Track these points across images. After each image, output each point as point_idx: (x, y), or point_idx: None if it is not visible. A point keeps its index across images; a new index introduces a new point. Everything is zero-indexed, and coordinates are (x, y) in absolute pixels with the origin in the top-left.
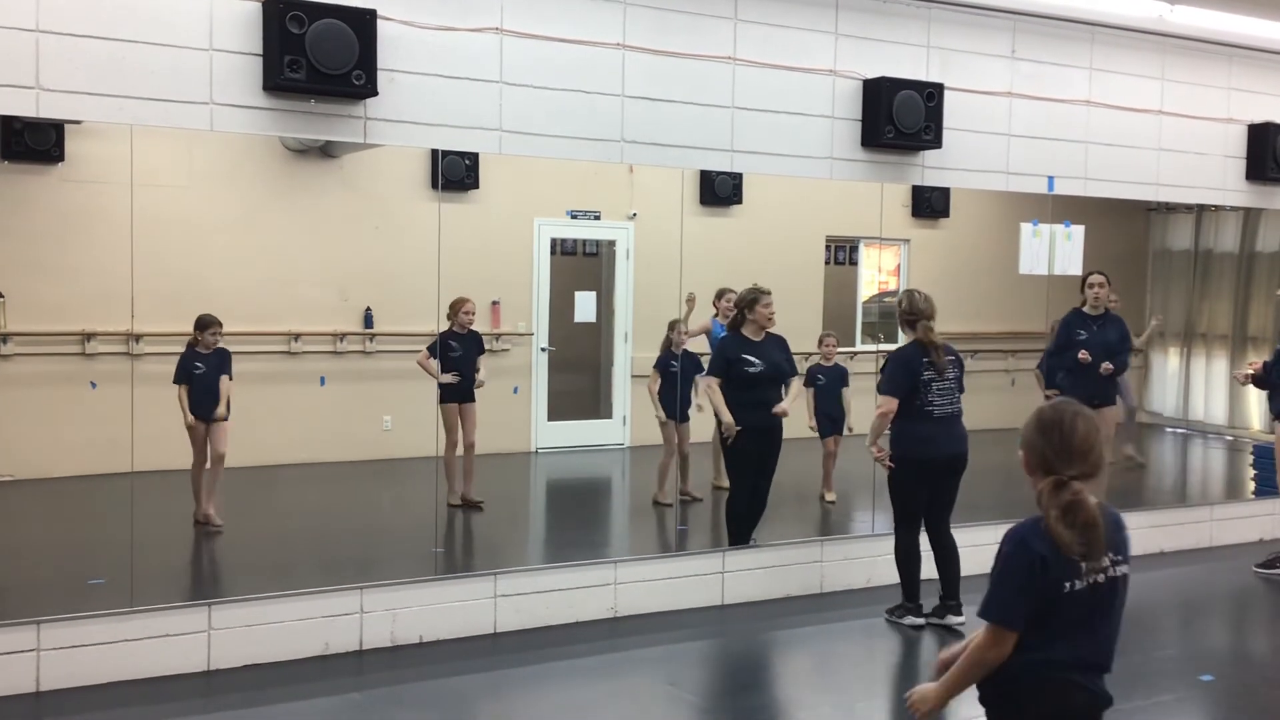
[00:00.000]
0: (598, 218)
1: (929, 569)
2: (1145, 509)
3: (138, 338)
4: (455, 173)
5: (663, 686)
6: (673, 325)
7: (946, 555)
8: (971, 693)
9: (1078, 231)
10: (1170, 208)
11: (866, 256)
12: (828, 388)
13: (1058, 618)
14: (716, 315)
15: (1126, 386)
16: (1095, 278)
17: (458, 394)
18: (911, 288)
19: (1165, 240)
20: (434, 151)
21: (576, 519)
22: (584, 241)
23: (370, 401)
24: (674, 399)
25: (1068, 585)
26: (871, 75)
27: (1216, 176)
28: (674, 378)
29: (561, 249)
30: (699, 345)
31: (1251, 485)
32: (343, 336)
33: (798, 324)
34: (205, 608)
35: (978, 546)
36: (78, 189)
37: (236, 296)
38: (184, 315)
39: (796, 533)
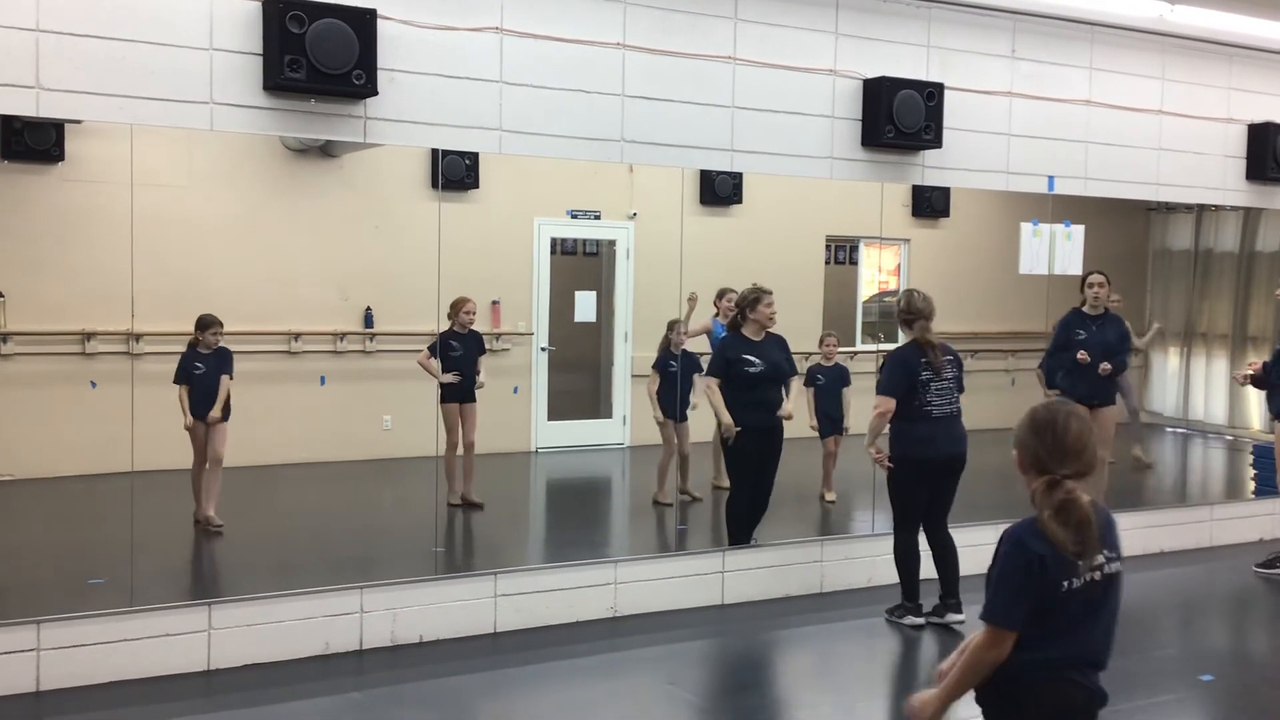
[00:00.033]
0: (598, 217)
1: (928, 569)
2: (1145, 509)
3: (138, 337)
4: (455, 172)
5: (663, 686)
6: (672, 325)
7: (945, 554)
8: (969, 692)
9: (1078, 231)
10: (1170, 207)
11: (867, 256)
12: (828, 387)
13: (1057, 617)
14: (717, 315)
15: (1129, 387)
16: (1095, 277)
17: (458, 394)
18: (911, 287)
19: (1165, 240)
20: (434, 151)
21: (576, 519)
22: (584, 241)
23: (370, 401)
24: (673, 399)
25: (1066, 584)
26: (871, 75)
27: (1216, 176)
28: (673, 378)
29: (561, 249)
30: (699, 345)
31: (1251, 485)
32: (343, 336)
33: (798, 324)
34: (205, 607)
35: (976, 546)
36: (78, 188)
37: (236, 296)
38: (184, 315)
39: (796, 532)
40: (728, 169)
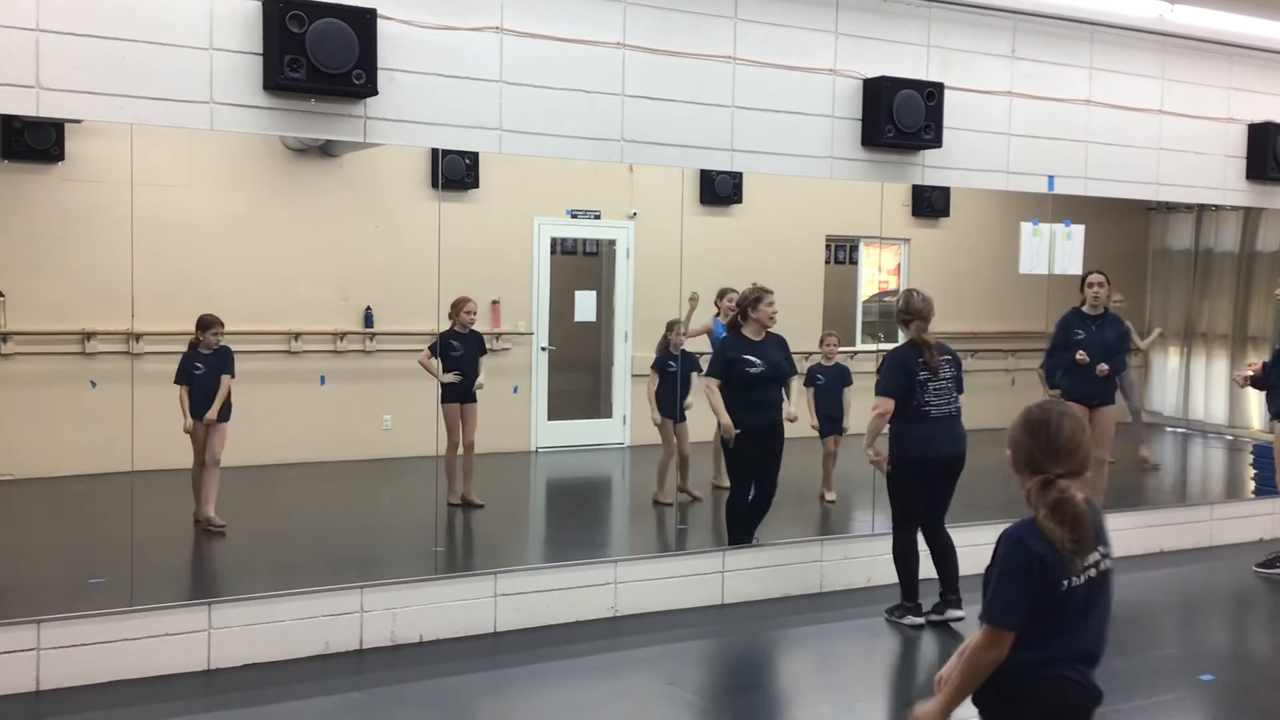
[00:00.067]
0: (598, 217)
1: (927, 568)
2: (1145, 509)
3: (138, 337)
4: (455, 172)
5: (663, 686)
6: (671, 326)
7: (944, 552)
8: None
9: (1078, 231)
10: (1170, 207)
11: (867, 256)
12: (828, 387)
13: (1056, 616)
14: (718, 315)
15: (1132, 387)
16: (1095, 277)
17: (459, 394)
18: (911, 287)
19: (1165, 240)
20: (434, 151)
21: (576, 518)
22: (584, 241)
23: (370, 401)
24: (672, 399)
25: (1066, 583)
26: (872, 75)
27: (1216, 176)
28: (672, 378)
29: (561, 248)
30: (699, 345)
31: (1251, 485)
32: (343, 336)
33: (798, 323)
34: (205, 607)
35: (976, 546)
36: (78, 188)
37: (236, 296)
38: (184, 315)
39: (796, 532)
40: (728, 169)
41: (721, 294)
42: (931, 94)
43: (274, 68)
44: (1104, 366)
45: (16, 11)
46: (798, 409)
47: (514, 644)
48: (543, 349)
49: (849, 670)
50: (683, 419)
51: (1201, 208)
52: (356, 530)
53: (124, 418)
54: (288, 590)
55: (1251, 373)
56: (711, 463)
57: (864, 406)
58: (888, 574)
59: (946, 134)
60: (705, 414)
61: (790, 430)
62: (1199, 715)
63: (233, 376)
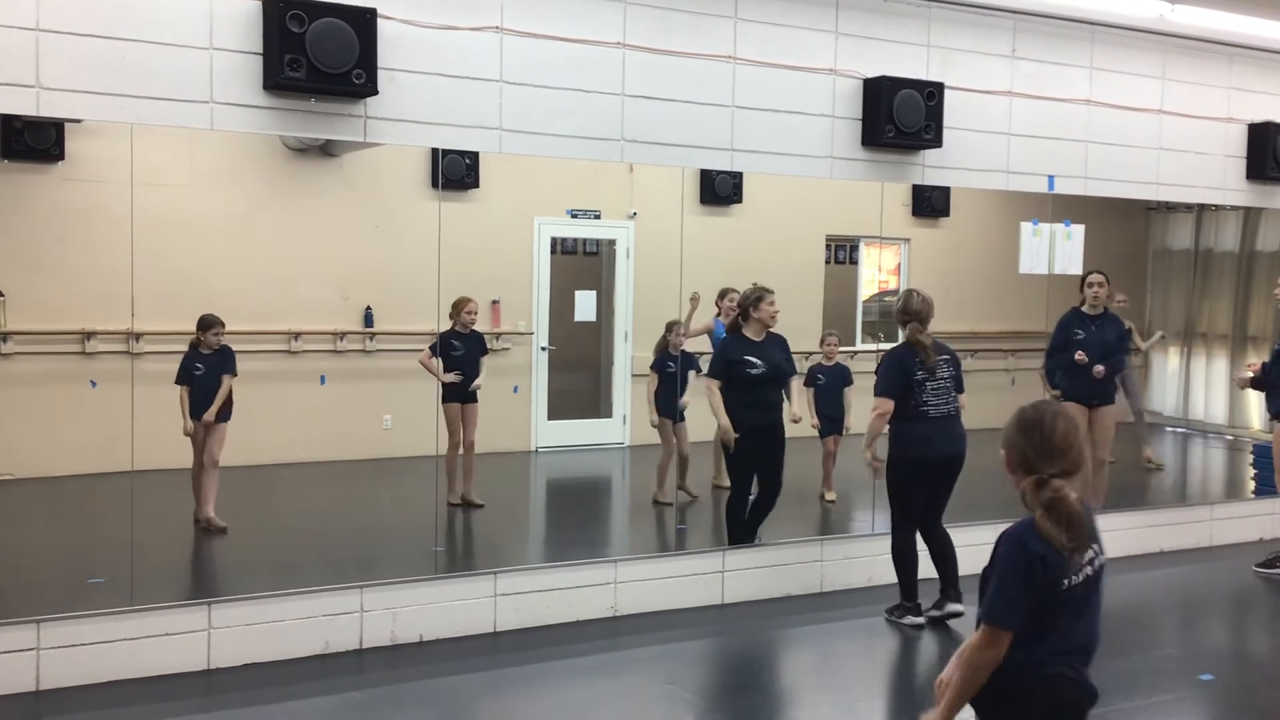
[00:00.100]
0: (598, 217)
1: (927, 568)
2: (1145, 509)
3: (138, 337)
4: (455, 172)
5: (662, 685)
6: (670, 327)
7: (942, 550)
8: None
9: (1078, 231)
10: (1170, 207)
11: (867, 256)
12: (828, 387)
13: (1055, 614)
14: (719, 315)
15: (1135, 387)
16: (1095, 277)
17: (460, 394)
18: (912, 287)
19: (1165, 240)
20: (434, 150)
21: (576, 518)
22: (584, 241)
23: (370, 400)
24: (671, 400)
25: (1065, 582)
26: (872, 74)
27: (1217, 176)
28: (671, 379)
29: (562, 248)
30: (700, 345)
31: (1251, 485)
32: (343, 335)
33: (798, 323)
34: (205, 607)
35: (976, 546)
36: (78, 188)
37: (236, 296)
38: (184, 314)
39: (796, 532)
40: (728, 169)
41: (722, 294)
42: (931, 94)
43: (274, 67)
44: (1100, 368)
45: (16, 11)
46: (800, 409)
47: (514, 644)
48: (543, 349)
49: (849, 670)
50: (681, 419)
51: (1201, 208)
52: (356, 530)
53: (124, 418)
54: (287, 590)
55: (1251, 374)
56: (711, 463)
57: (864, 406)
58: (888, 574)
59: (946, 134)
60: (705, 414)
61: (790, 430)
62: (1199, 715)
63: (235, 375)
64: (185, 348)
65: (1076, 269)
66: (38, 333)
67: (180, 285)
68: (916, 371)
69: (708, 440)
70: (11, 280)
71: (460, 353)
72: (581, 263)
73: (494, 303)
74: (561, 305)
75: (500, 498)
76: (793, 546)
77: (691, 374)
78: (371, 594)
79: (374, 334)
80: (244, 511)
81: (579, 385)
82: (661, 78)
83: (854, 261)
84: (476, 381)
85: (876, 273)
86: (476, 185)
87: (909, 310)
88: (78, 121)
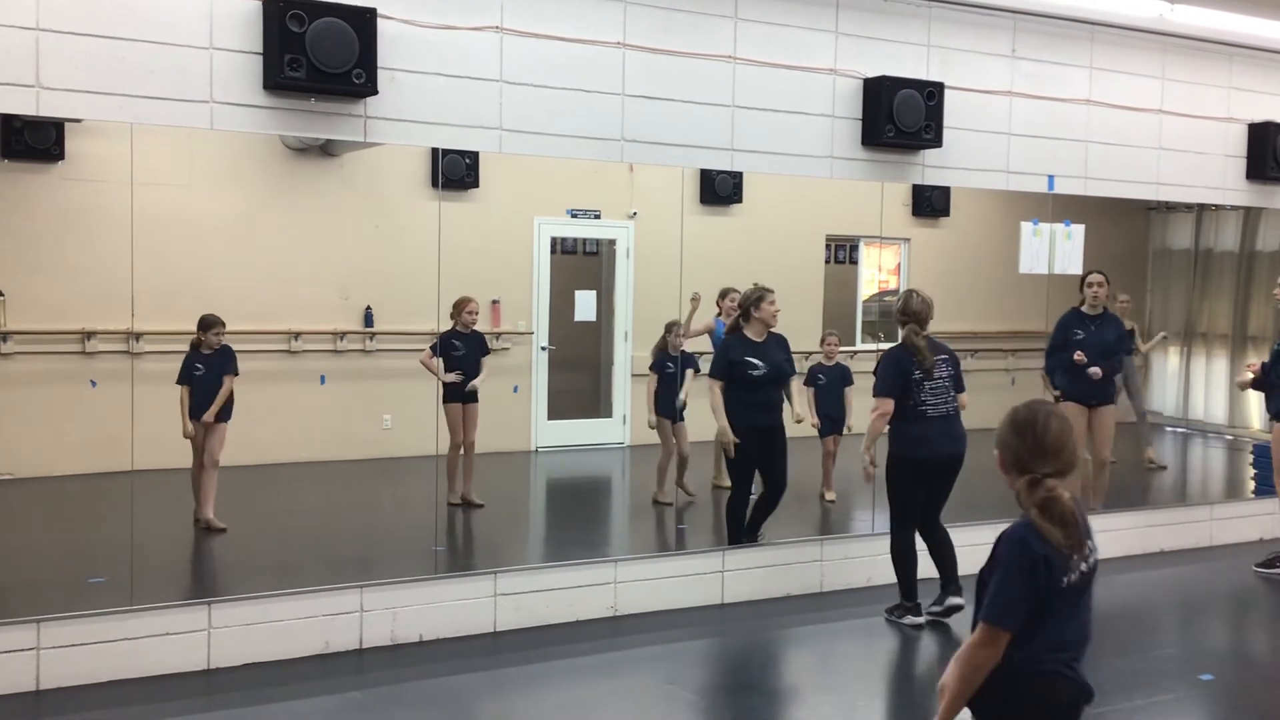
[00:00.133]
0: (598, 217)
1: (926, 568)
2: (1145, 508)
3: (138, 336)
4: (455, 171)
5: (662, 685)
6: (669, 327)
7: (941, 547)
8: None
9: (1078, 231)
10: (1170, 207)
11: (867, 255)
12: (828, 387)
13: (1053, 612)
14: (720, 315)
15: (1138, 388)
16: (1094, 277)
17: (461, 394)
18: (912, 288)
19: (1165, 240)
20: (434, 150)
21: (576, 518)
22: (584, 240)
23: (370, 400)
24: (671, 400)
25: (1065, 580)
26: (872, 74)
27: (1217, 176)
28: (670, 379)
29: (562, 248)
30: (701, 344)
31: (1251, 485)
32: (343, 335)
33: (798, 323)
34: (205, 606)
35: (975, 546)
36: (78, 187)
37: (236, 295)
38: (184, 314)
39: (796, 532)
40: (728, 168)
41: (723, 294)
42: (931, 94)
43: (274, 67)
44: (1096, 370)
45: (16, 11)
46: (801, 409)
47: (514, 643)
48: (543, 349)
49: (849, 670)
50: (681, 419)
51: (1201, 207)
52: (356, 530)
53: (124, 417)
54: (287, 590)
55: (1251, 375)
56: (711, 463)
57: (865, 406)
58: (887, 574)
59: (946, 134)
60: (705, 414)
61: (790, 430)
62: (1199, 715)
63: (236, 375)
64: (185, 348)
65: (1076, 269)
66: (38, 333)
67: (180, 285)
68: (914, 371)
69: (707, 440)
70: (11, 280)
71: (461, 353)
72: (581, 263)
73: (494, 302)
74: (561, 305)
75: (500, 498)
76: (793, 546)
77: (689, 372)
78: (371, 594)
79: (374, 334)
80: (244, 511)
81: (579, 385)
82: (661, 78)
83: (854, 261)
84: (474, 381)
85: (876, 272)
86: (476, 185)
87: (908, 311)
88: (78, 121)
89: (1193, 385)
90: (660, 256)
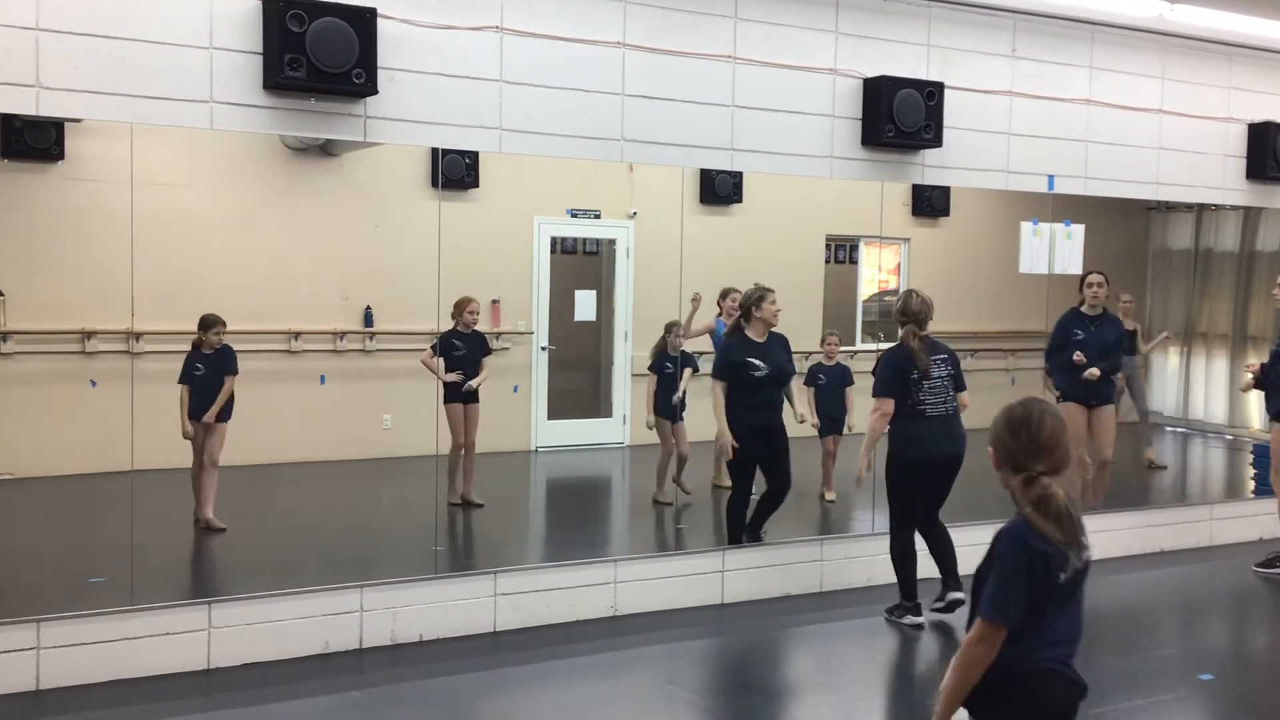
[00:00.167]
0: (598, 216)
1: (926, 568)
2: (1145, 508)
3: (138, 336)
4: (455, 171)
5: (662, 685)
6: (669, 328)
7: (941, 544)
8: None
9: (1078, 230)
10: (1170, 207)
11: (867, 255)
12: (829, 387)
13: (1050, 609)
14: (720, 315)
15: (1140, 388)
16: (1094, 277)
17: (461, 395)
18: (912, 288)
19: (1165, 239)
20: (434, 150)
21: (576, 518)
22: (584, 240)
23: (370, 400)
24: (670, 400)
25: (1062, 576)
26: (872, 74)
27: (1217, 176)
28: (670, 380)
29: (562, 248)
30: (701, 344)
31: (1251, 485)
32: (343, 335)
33: (798, 323)
34: (205, 606)
35: (975, 546)
36: (78, 187)
37: (236, 295)
38: (184, 314)
39: (796, 532)
40: (728, 168)
41: (724, 294)
42: (931, 93)
43: (274, 67)
44: (1094, 371)
45: (16, 11)
46: (801, 408)
47: (514, 643)
48: (543, 348)
49: (849, 670)
50: (680, 419)
51: (1201, 207)
52: (356, 530)
53: (124, 417)
54: (287, 590)
55: (1251, 375)
56: (711, 463)
57: (865, 406)
58: (888, 574)
59: (946, 133)
60: (704, 414)
61: (790, 430)
62: (1199, 715)
63: (237, 374)
64: (185, 348)
65: (1076, 269)
66: (38, 332)
67: (180, 285)
68: (912, 371)
69: (707, 440)
70: (11, 280)
71: (462, 353)
72: (581, 262)
73: (494, 302)
74: (561, 305)
75: (500, 497)
76: (793, 546)
77: (688, 371)
78: (371, 594)
79: (374, 334)
80: (244, 511)
81: (579, 385)
82: (661, 77)
83: (854, 261)
84: (472, 382)
85: (876, 272)
86: (476, 185)
87: (907, 312)
88: (77, 121)
89: (1193, 385)
90: (660, 256)
